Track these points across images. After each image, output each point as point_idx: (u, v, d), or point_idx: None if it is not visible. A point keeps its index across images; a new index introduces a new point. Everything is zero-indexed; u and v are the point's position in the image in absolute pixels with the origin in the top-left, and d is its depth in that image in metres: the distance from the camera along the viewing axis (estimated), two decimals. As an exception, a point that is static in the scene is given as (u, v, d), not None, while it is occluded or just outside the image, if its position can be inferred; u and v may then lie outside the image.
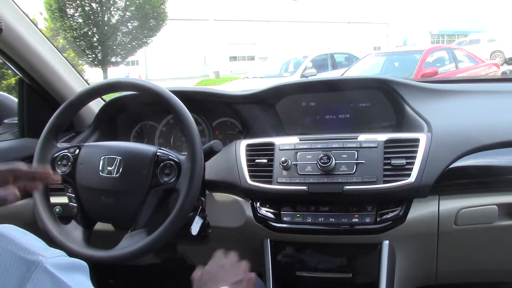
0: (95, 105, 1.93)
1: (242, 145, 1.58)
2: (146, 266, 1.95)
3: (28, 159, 1.47)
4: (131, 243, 1.31)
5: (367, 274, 1.47)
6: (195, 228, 1.46)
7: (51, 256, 0.58)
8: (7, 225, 0.59)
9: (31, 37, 1.66)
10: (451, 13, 41.75)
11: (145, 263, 1.91)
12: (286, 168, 1.47)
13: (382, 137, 1.47)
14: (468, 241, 1.48)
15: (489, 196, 1.43)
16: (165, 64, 32.77)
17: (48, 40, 1.77)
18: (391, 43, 38.95)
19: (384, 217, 1.41)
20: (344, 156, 1.45)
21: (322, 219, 1.45)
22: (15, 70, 1.74)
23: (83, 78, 1.94)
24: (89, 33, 22.10)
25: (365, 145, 1.46)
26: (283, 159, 1.47)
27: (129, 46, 23.08)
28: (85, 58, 22.25)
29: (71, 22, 21.29)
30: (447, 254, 1.49)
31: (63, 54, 1.86)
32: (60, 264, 0.58)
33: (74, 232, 1.39)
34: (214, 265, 1.13)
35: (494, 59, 18.23)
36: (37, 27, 1.71)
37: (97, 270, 1.96)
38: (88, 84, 1.77)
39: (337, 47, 18.61)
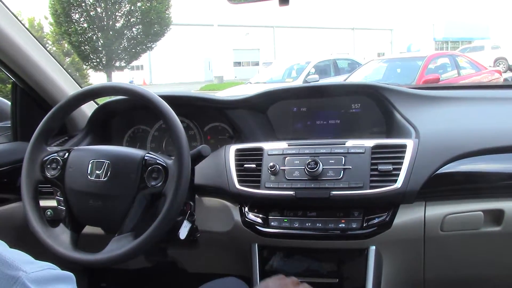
0: (89, 109, 1.94)
1: (231, 150, 1.59)
2: (138, 269, 1.96)
3: (20, 162, 1.48)
4: (117, 246, 1.31)
5: (354, 279, 1.47)
6: (183, 232, 1.47)
7: (33, 271, 0.58)
8: None
9: (21, 40, 1.67)
10: (455, 20, 41.74)
11: (137, 266, 1.92)
12: (274, 173, 1.48)
13: (370, 143, 1.47)
14: (454, 247, 1.48)
15: (475, 202, 1.43)
16: (169, 69, 32.94)
17: (40, 43, 1.78)
18: (395, 49, 38.96)
19: (371, 222, 1.41)
20: (332, 161, 1.45)
21: (309, 224, 1.45)
22: (7, 74, 1.75)
23: (76, 81, 1.94)
24: (94, 37, 22.28)
25: (352, 150, 1.46)
26: (271, 164, 1.48)
27: (134, 50, 23.24)
28: (89, 63, 22.41)
29: (76, 26, 21.46)
30: (434, 260, 1.49)
31: (56, 57, 1.86)
32: (41, 278, 0.58)
33: (62, 235, 1.40)
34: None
35: (498, 66, 18.24)
36: (28, 30, 1.72)
37: (89, 273, 1.97)
38: (81, 88, 1.78)
39: (340, 53, 18.61)
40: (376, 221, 1.41)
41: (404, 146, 1.43)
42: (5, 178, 1.76)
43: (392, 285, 1.50)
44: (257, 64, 35.26)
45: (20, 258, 0.59)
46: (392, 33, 43.14)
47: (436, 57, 9.64)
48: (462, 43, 36.12)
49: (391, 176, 1.39)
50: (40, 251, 1.25)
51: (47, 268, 0.61)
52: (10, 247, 0.63)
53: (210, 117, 1.90)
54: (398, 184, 1.37)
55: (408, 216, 1.42)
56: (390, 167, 1.40)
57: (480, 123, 1.58)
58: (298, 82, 10.78)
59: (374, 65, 10.36)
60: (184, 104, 1.84)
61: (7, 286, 0.55)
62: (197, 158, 1.45)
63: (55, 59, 1.85)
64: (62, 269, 0.65)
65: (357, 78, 9.49)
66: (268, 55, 36.02)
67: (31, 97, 1.86)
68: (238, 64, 37.58)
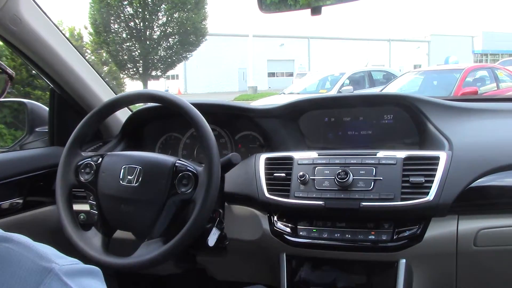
0: (123, 116, 1.98)
1: (262, 158, 1.59)
2: (167, 276, 1.98)
3: (56, 167, 1.52)
4: (147, 251, 1.33)
5: None
6: (212, 240, 1.48)
7: (64, 264, 0.60)
8: (19, 234, 0.62)
9: (61, 48, 1.72)
10: (495, 32, 40.89)
11: (166, 272, 1.93)
12: (303, 182, 1.47)
13: (401, 154, 1.45)
14: (488, 262, 1.44)
15: (510, 217, 1.38)
16: (204, 79, 33.32)
17: (78, 51, 1.83)
18: (432, 61, 38.39)
19: (401, 235, 1.38)
20: (362, 172, 1.44)
21: (338, 235, 1.43)
22: (46, 80, 1.81)
23: (112, 89, 1.99)
24: (132, 47, 22.72)
25: (383, 161, 1.44)
26: (301, 173, 1.47)
27: (170, 60, 23.60)
28: (126, 72, 22.88)
29: (115, 36, 22.00)
30: (466, 275, 1.45)
31: (93, 65, 1.92)
32: (71, 271, 0.60)
33: (93, 239, 1.43)
34: None
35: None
36: (67, 39, 1.78)
37: (120, 277, 2.00)
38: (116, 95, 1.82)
39: (375, 65, 18.49)
40: (407, 233, 1.38)
41: (437, 158, 1.40)
42: (41, 181, 1.81)
43: None
44: (291, 75, 35.31)
45: (50, 252, 0.61)
46: (430, 45, 42.57)
47: (474, 70, 9.47)
48: (502, 56, 35.36)
49: (423, 189, 1.36)
50: (72, 253, 1.28)
51: (76, 263, 0.62)
52: None
53: (241, 126, 1.91)
54: (430, 196, 1.34)
55: (440, 229, 1.38)
56: (422, 179, 1.37)
57: None
58: (332, 93, 10.74)
59: (410, 77, 10.25)
60: (216, 113, 1.86)
61: (41, 276, 0.57)
62: (227, 165, 1.46)
63: (92, 67, 1.90)
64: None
65: (392, 89, 9.37)
66: (303, 66, 36.04)
67: (68, 103, 1.91)
68: (272, 74, 37.75)
